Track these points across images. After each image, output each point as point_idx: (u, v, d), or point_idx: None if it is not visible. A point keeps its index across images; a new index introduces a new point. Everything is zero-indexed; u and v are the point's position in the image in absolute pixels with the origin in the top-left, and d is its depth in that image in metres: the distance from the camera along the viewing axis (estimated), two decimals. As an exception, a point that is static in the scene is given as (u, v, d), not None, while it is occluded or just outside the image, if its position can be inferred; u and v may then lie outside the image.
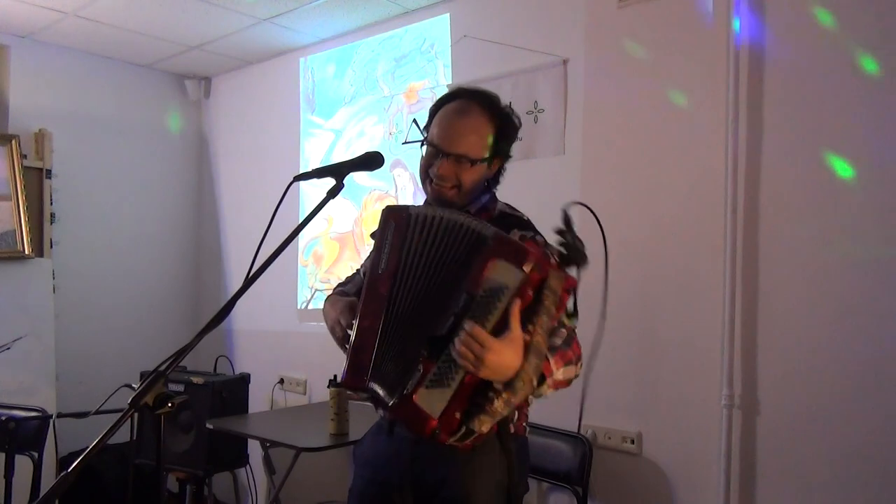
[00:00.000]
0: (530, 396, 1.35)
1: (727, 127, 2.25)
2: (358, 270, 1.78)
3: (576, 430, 2.37)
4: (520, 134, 1.60)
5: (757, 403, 2.20)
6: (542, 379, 1.31)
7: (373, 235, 1.46)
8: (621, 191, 2.52)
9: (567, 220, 1.34)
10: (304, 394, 3.62)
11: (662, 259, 2.41)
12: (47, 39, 3.67)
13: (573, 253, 1.31)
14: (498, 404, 1.26)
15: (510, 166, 1.62)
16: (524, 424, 1.55)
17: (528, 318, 1.26)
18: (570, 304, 1.36)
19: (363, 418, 2.12)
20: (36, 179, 3.55)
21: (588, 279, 1.39)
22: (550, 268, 1.27)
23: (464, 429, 1.27)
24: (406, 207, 1.43)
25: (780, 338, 2.17)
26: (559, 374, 1.35)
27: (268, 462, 2.76)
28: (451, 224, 1.36)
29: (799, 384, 2.12)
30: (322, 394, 3.01)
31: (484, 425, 1.27)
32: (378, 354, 1.37)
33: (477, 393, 1.28)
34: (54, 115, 3.73)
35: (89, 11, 3.29)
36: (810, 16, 2.13)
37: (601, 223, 1.40)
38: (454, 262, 1.34)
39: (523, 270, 1.25)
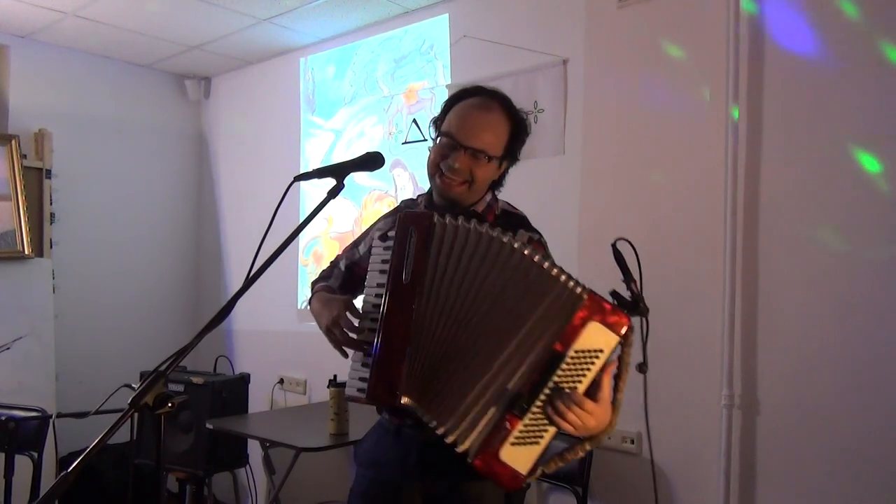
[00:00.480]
0: None
1: (727, 127, 2.25)
2: (336, 264, 1.73)
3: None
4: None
5: (757, 403, 2.20)
6: None
7: (383, 238, 1.40)
8: (621, 191, 2.52)
9: (623, 265, 1.33)
10: (304, 394, 3.62)
11: (662, 259, 2.41)
12: (47, 39, 3.67)
13: (640, 304, 1.33)
14: (580, 454, 1.32)
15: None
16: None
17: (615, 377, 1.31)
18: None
19: (363, 418, 2.11)
20: (36, 179, 3.56)
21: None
22: (632, 325, 1.29)
23: (539, 471, 1.31)
24: (430, 215, 1.36)
25: (780, 338, 2.17)
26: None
27: (268, 462, 2.76)
28: (500, 250, 1.31)
29: (799, 384, 2.12)
30: (322, 394, 3.01)
31: (556, 467, 1.32)
32: (410, 372, 1.33)
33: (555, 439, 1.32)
34: (54, 115, 3.73)
35: (89, 11, 3.29)
36: (809, 14, 2.14)
37: (639, 259, 1.38)
38: (516, 296, 1.30)
39: (620, 335, 1.28)
